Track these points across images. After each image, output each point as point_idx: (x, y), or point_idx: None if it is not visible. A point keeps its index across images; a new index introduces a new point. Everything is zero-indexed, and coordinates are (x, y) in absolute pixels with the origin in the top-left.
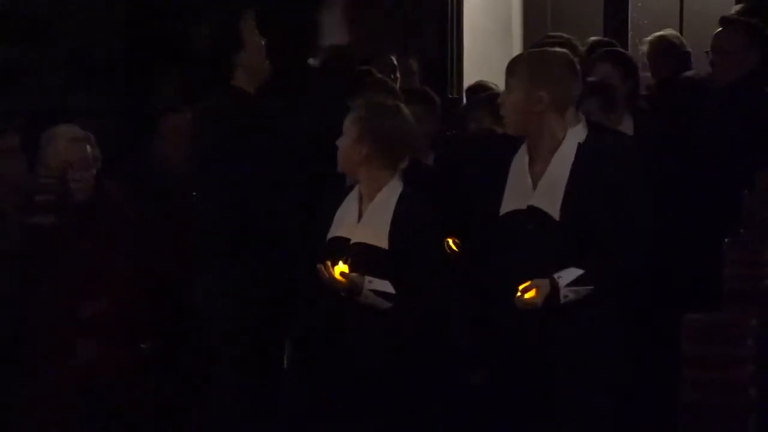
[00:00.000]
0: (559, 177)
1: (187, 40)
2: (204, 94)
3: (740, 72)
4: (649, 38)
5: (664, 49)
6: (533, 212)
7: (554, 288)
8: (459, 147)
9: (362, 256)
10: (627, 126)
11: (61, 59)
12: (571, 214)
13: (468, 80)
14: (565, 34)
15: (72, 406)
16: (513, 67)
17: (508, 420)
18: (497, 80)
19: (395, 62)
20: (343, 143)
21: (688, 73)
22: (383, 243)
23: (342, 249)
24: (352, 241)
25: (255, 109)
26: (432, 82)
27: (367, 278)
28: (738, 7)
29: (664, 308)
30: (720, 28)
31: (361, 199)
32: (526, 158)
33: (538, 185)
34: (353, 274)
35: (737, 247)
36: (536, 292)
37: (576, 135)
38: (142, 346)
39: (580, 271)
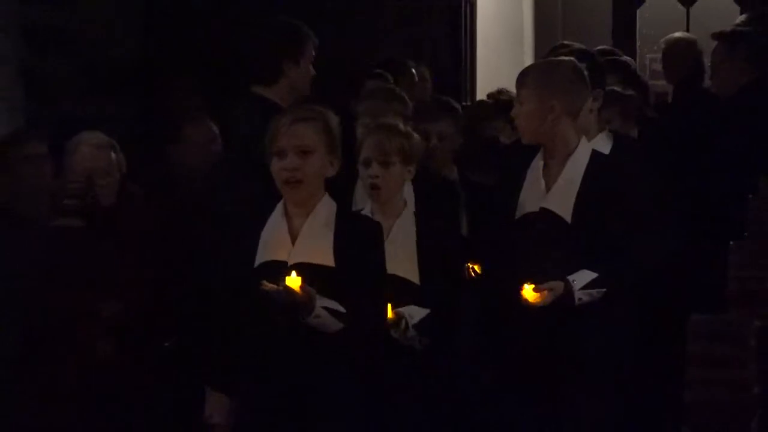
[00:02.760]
0: (573, 181)
1: (216, 49)
2: (233, 102)
3: (740, 82)
4: (665, 38)
5: (680, 50)
6: (546, 214)
7: (569, 291)
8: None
9: (304, 278)
10: (632, 134)
11: (86, 69)
12: (583, 217)
13: (481, 88)
14: (577, 44)
15: (90, 405)
16: (523, 79)
17: (514, 417)
18: (509, 88)
19: (424, 74)
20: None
21: (706, 85)
22: (328, 260)
23: (278, 274)
24: (290, 263)
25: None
26: (445, 90)
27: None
28: (743, 16)
29: (670, 309)
30: (716, 43)
31: (288, 219)
32: (541, 163)
33: (552, 189)
34: (308, 287)
35: (742, 251)
36: (544, 294)
37: (597, 143)
38: (165, 344)
39: (593, 275)
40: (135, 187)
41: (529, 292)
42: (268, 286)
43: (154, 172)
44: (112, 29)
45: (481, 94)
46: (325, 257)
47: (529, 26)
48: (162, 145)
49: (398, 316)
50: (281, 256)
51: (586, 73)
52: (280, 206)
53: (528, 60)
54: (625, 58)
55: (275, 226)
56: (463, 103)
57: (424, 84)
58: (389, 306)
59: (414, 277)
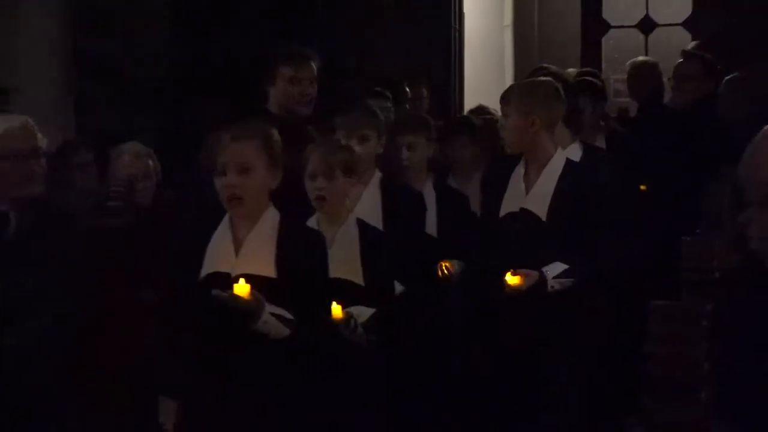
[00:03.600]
0: (549, 185)
1: (232, 70)
2: (243, 115)
3: (696, 97)
4: (631, 62)
5: (644, 72)
6: (525, 213)
7: (542, 279)
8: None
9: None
10: (599, 144)
11: (126, 88)
12: (557, 216)
13: (468, 104)
14: (554, 66)
15: (139, 388)
16: (508, 97)
17: (496, 392)
18: (492, 104)
19: (423, 92)
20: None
21: (667, 102)
22: (270, 272)
23: (222, 285)
24: (233, 275)
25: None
26: (438, 106)
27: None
28: (693, 43)
29: (633, 295)
30: (681, 59)
31: (233, 231)
32: (522, 170)
33: (530, 192)
34: (257, 293)
35: (693, 245)
36: (521, 280)
37: (570, 152)
38: None
39: (564, 266)
40: (168, 191)
41: (510, 278)
42: (219, 293)
43: (183, 177)
44: (148, 55)
45: (468, 109)
46: (267, 268)
47: (510, 51)
48: (190, 153)
49: (347, 316)
50: (225, 268)
51: (562, 92)
52: (226, 218)
53: (509, 80)
54: (596, 80)
55: (220, 238)
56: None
57: (422, 101)
58: (340, 306)
59: (358, 278)
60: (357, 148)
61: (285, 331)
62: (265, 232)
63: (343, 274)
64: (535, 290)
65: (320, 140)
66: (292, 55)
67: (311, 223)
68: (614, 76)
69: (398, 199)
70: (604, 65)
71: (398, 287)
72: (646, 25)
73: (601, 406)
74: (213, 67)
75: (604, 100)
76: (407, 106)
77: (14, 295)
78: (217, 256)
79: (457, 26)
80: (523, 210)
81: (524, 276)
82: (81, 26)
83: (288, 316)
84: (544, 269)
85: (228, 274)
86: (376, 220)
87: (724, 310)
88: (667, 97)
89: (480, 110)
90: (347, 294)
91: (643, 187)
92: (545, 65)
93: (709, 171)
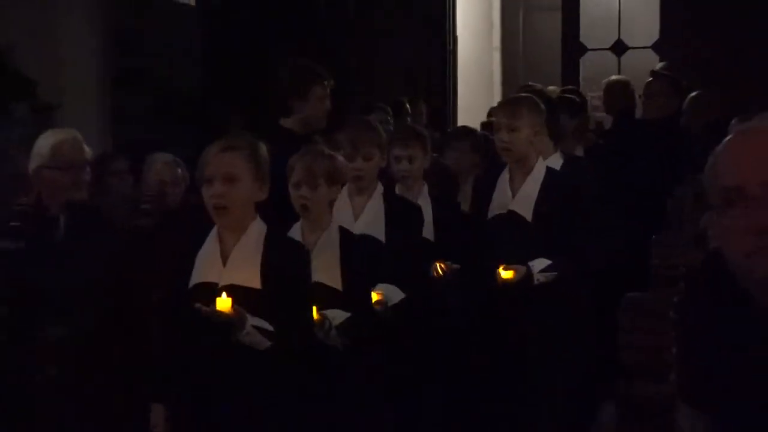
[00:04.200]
0: (533, 190)
1: (255, 84)
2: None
3: (664, 113)
4: (606, 80)
5: (618, 89)
6: (512, 215)
7: (529, 273)
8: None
9: (235, 299)
10: (578, 154)
11: (158, 104)
12: (540, 217)
13: (461, 119)
14: (538, 84)
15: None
16: (517, 111)
17: (496, 393)
18: (482, 118)
19: (421, 107)
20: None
21: (638, 116)
22: (256, 283)
23: (209, 295)
24: (220, 285)
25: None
26: (435, 120)
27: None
28: (661, 64)
29: (607, 288)
30: (650, 78)
31: (221, 242)
32: (507, 176)
33: (516, 195)
34: (239, 307)
35: (662, 242)
36: (513, 274)
37: (552, 161)
38: None
39: (548, 261)
40: (195, 196)
41: (503, 272)
42: (202, 307)
43: None
44: (177, 74)
45: (461, 122)
46: (253, 280)
47: (498, 71)
48: None
49: (322, 318)
50: (213, 278)
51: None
52: (214, 229)
53: (497, 97)
54: (576, 96)
55: (209, 249)
56: (448, 130)
57: (421, 116)
58: (314, 309)
59: (337, 284)
60: (363, 165)
61: (266, 343)
62: (251, 244)
63: (322, 279)
64: (523, 283)
65: (304, 149)
66: (324, 75)
67: (295, 228)
68: (591, 93)
69: (400, 210)
70: (582, 83)
71: (400, 294)
72: (619, 48)
73: (581, 389)
74: (238, 87)
75: (584, 114)
76: (408, 119)
77: (61, 295)
78: (206, 266)
79: (451, 48)
80: (511, 212)
81: (515, 270)
82: (117, 44)
83: (270, 328)
84: (529, 264)
85: (216, 284)
86: (380, 231)
87: (688, 309)
88: (639, 112)
89: (491, 124)
90: (325, 298)
91: None
92: (530, 83)
93: (674, 177)
